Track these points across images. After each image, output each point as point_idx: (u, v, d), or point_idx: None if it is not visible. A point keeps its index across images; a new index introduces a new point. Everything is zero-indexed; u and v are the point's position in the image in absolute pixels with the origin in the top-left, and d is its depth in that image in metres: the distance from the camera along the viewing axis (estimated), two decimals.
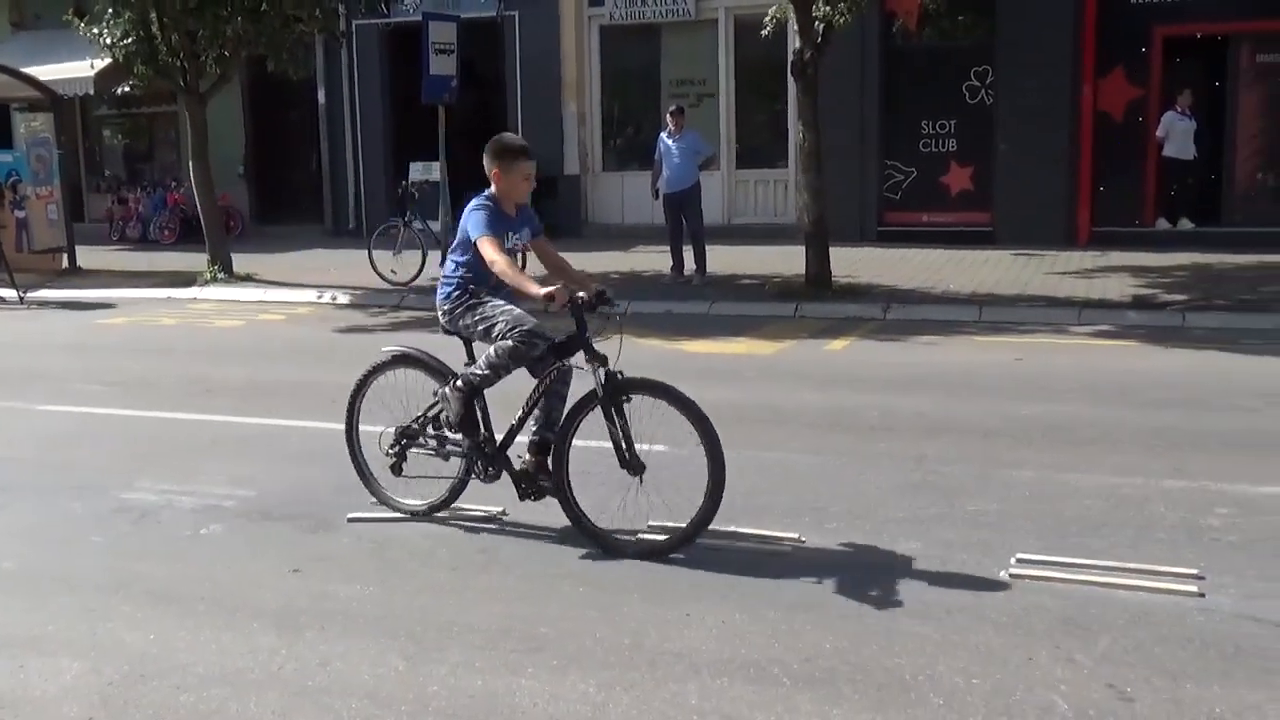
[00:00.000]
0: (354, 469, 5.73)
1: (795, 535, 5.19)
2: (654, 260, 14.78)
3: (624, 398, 4.98)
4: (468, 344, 5.38)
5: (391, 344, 6.19)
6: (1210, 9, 14.75)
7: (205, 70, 15.07)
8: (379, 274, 14.20)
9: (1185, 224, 15.23)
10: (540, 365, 5.20)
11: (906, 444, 6.69)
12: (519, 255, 6.24)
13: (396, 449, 5.51)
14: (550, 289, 4.87)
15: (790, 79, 13.36)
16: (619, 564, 4.94)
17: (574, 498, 5.14)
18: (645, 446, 5.02)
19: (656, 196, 13.90)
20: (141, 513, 5.81)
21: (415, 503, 5.61)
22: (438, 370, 5.47)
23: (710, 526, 4.97)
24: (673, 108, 13.86)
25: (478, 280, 5.22)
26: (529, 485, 5.23)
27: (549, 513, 5.34)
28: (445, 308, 5.32)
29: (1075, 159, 15.56)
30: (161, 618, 4.49)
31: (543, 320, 5.18)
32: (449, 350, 5.57)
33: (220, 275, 15.06)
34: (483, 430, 5.33)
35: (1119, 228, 15.27)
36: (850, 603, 4.47)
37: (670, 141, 13.45)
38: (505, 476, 5.32)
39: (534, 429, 5.25)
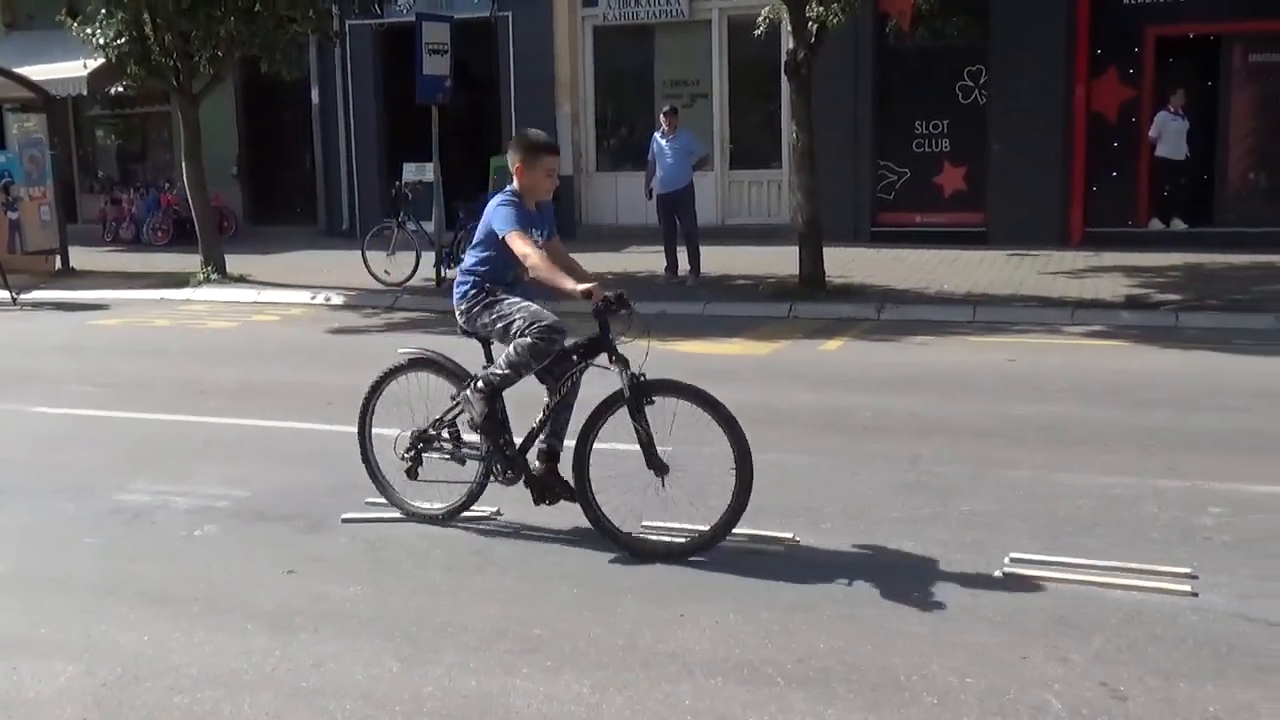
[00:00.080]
0: (367, 474, 5.64)
1: (789, 535, 5.19)
2: (648, 261, 14.78)
3: (648, 399, 4.95)
4: (486, 345, 5.30)
5: (392, 345, 6.17)
6: (1202, 9, 14.79)
7: (198, 70, 15.05)
8: (373, 275, 14.19)
9: (1178, 224, 15.26)
10: (557, 369, 5.13)
11: (900, 444, 6.70)
12: None
13: (412, 453, 5.43)
14: (589, 285, 4.82)
15: (784, 79, 13.33)
16: (614, 565, 4.94)
17: (595, 499, 5.10)
18: (666, 448, 5.00)
19: (650, 197, 13.90)
20: (135, 514, 5.80)
21: (431, 506, 5.51)
22: (454, 373, 5.37)
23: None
24: (666, 108, 13.87)
25: (494, 278, 5.14)
26: (544, 490, 5.22)
27: (544, 513, 5.35)
28: (462, 307, 5.22)
29: (1068, 159, 15.60)
30: (156, 619, 4.48)
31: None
32: (461, 351, 5.54)
33: (214, 276, 15.05)
34: (505, 432, 5.27)
35: (1112, 228, 15.31)
36: (844, 603, 4.47)
37: (664, 142, 13.46)
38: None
39: (542, 437, 5.22)
